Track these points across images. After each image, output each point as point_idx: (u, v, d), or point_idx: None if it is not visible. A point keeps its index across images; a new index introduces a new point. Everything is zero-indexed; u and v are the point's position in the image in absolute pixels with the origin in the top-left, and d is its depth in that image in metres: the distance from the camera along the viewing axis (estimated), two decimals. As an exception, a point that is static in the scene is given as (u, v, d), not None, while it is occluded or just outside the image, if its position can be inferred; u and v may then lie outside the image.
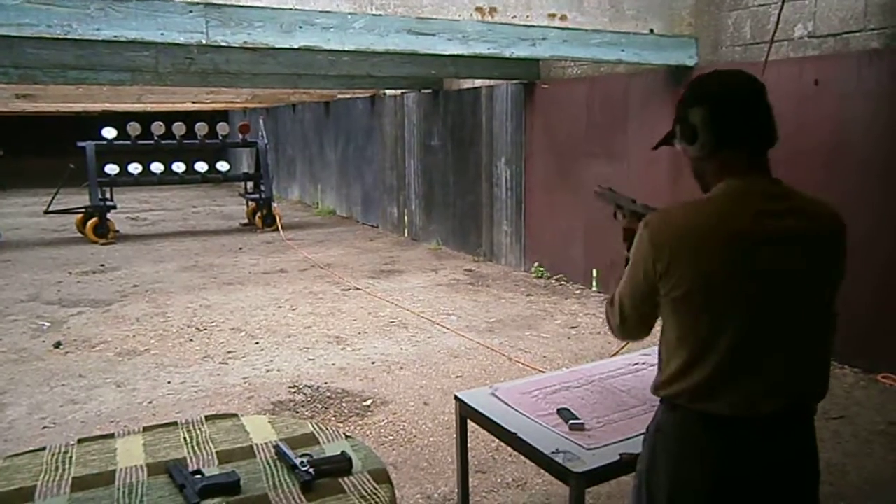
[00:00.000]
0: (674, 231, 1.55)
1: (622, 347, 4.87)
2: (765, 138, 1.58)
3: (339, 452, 1.93)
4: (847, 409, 4.08)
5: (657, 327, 1.67)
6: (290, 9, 4.17)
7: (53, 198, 11.10)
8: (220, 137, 11.37)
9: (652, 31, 5.37)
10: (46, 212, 10.98)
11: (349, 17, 4.39)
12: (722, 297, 1.51)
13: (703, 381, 1.54)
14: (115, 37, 3.83)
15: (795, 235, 1.52)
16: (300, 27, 4.29)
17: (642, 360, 2.76)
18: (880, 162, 4.47)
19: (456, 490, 2.77)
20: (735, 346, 1.52)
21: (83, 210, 10.57)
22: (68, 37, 3.73)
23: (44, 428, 4.04)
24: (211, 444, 2.04)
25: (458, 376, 4.75)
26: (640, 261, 1.59)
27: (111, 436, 2.13)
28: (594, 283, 6.95)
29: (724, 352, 1.52)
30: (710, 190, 1.61)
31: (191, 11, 3.94)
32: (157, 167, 11.07)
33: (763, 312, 1.52)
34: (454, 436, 2.66)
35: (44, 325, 6.09)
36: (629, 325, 1.70)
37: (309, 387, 4.58)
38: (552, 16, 4.80)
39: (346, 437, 2.10)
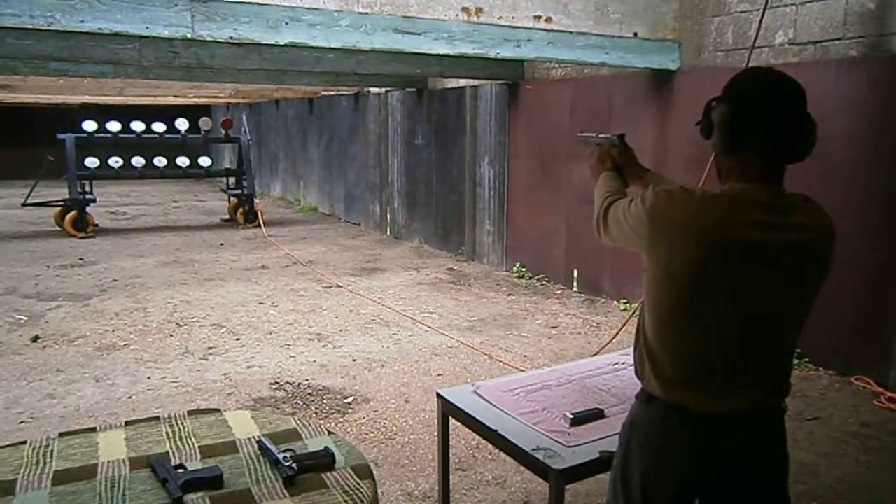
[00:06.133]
0: (668, 216, 1.54)
1: (602, 347, 4.92)
2: (784, 149, 1.55)
3: (321, 448, 1.94)
4: (821, 411, 4.16)
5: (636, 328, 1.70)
6: (277, 5, 4.17)
7: (32, 190, 10.94)
8: (203, 132, 11.27)
9: (636, 34, 5.42)
10: (24, 204, 10.82)
11: (336, 14, 4.39)
12: (698, 297, 1.54)
13: (679, 376, 1.59)
14: (100, 29, 3.80)
15: (784, 249, 1.52)
16: (286, 23, 4.29)
17: (622, 359, 2.80)
18: (858, 169, 4.55)
19: (436, 487, 2.80)
20: (710, 345, 1.57)
21: (62, 203, 10.47)
22: (51, 28, 3.70)
23: (21, 423, 3.99)
24: (193, 439, 2.04)
25: (439, 374, 4.77)
26: (636, 214, 1.61)
27: (93, 430, 2.12)
28: (575, 284, 7.00)
29: (699, 349, 1.58)
30: (721, 181, 1.63)
31: (176, 5, 3.93)
32: (137, 161, 10.97)
33: (739, 315, 1.55)
34: (434, 433, 2.69)
35: (21, 318, 6.02)
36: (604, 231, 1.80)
37: (290, 383, 4.58)
38: (538, 18, 4.83)
39: (329, 433, 2.11)
